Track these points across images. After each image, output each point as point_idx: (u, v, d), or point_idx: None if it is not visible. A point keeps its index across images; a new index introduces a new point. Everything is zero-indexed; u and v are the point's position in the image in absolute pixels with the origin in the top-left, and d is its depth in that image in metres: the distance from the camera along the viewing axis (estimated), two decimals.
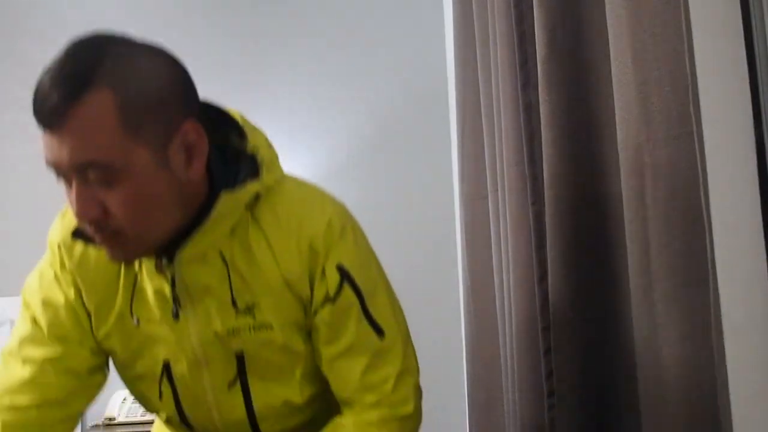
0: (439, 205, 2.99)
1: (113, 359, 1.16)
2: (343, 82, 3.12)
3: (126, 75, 0.91)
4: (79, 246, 1.09)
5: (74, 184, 0.92)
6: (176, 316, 1.05)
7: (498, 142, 1.80)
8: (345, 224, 1.10)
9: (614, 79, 1.20)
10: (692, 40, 1.05)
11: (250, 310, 1.05)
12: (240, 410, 1.12)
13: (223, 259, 1.04)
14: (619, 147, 1.18)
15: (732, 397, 1.02)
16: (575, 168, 1.36)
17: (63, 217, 1.12)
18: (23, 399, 1.06)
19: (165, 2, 3.13)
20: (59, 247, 1.10)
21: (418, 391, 1.16)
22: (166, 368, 1.10)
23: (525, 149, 1.57)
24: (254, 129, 1.09)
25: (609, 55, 1.22)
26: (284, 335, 1.07)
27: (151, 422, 2.60)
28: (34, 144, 3.62)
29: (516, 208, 1.64)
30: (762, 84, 1.15)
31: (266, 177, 1.05)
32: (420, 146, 3.10)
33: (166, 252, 1.02)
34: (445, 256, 2.90)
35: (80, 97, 0.88)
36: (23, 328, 1.12)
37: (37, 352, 1.08)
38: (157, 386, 1.12)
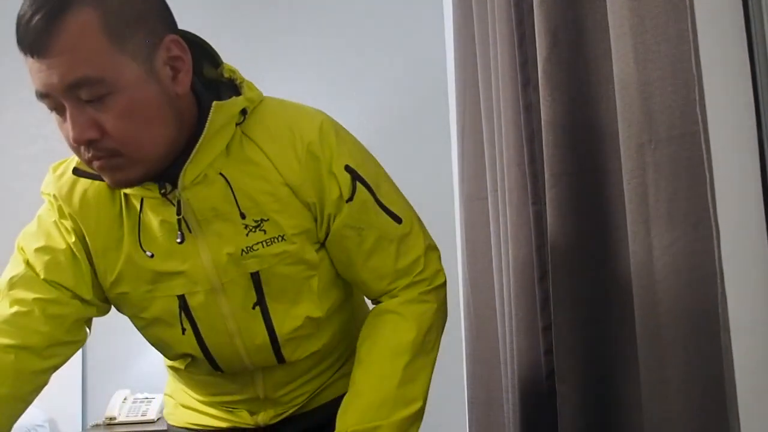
0: (439, 205, 2.99)
1: (124, 307, 1.15)
2: (343, 82, 3.12)
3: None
4: (77, 192, 1.08)
5: (68, 108, 0.92)
6: (183, 239, 1.04)
7: (498, 143, 1.80)
8: (336, 127, 1.14)
9: (616, 79, 1.19)
10: (697, 39, 1.04)
11: (259, 225, 1.05)
12: (262, 334, 1.12)
13: (225, 179, 1.04)
14: (621, 147, 1.18)
15: (738, 398, 1.01)
16: (576, 168, 1.36)
17: (54, 170, 1.12)
18: (3, 339, 1.03)
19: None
20: (55, 197, 1.09)
21: (441, 260, 1.27)
22: (182, 303, 1.09)
23: (525, 149, 1.56)
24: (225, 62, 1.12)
25: (611, 55, 1.22)
26: (297, 245, 1.08)
27: (151, 422, 2.61)
28: (34, 144, 3.62)
29: (516, 208, 1.63)
30: (761, 85, 1.15)
31: (248, 93, 1.07)
32: (420, 146, 3.10)
33: (168, 179, 1.02)
34: (445, 256, 2.89)
35: (63, 17, 0.89)
36: (15, 270, 1.09)
37: (28, 294, 1.06)
38: (177, 324, 1.11)
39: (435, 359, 1.19)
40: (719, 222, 1.04)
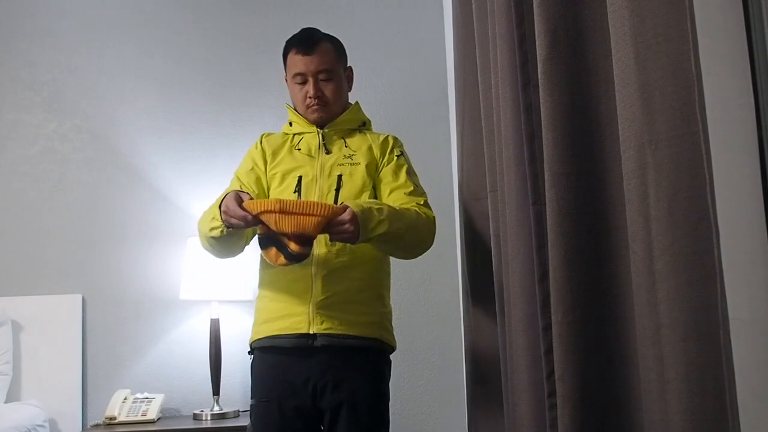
0: (439, 205, 2.99)
1: (274, 181, 2.10)
2: None
3: (337, 42, 2.13)
4: (270, 136, 2.19)
5: (311, 82, 2.03)
6: (327, 152, 2.09)
7: (497, 142, 1.80)
8: (402, 143, 2.20)
9: (616, 79, 1.20)
10: (697, 40, 1.04)
11: (350, 157, 2.07)
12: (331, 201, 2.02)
13: (344, 140, 2.12)
14: (621, 147, 1.19)
15: (738, 398, 1.01)
16: (576, 168, 1.36)
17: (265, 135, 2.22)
18: None
19: (166, 4, 3.13)
20: (261, 137, 2.19)
21: (434, 220, 2.06)
22: (299, 179, 2.06)
23: (525, 149, 1.57)
24: None
25: (611, 55, 1.22)
26: (364, 170, 2.05)
27: (151, 422, 2.61)
28: (34, 144, 3.59)
29: (516, 208, 1.64)
30: (761, 85, 1.15)
31: (368, 120, 2.23)
32: (420, 146, 3.10)
33: (321, 128, 2.11)
34: (445, 256, 2.90)
35: (323, 41, 2.08)
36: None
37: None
38: (293, 189, 2.05)
39: (413, 235, 1.96)
40: (719, 222, 1.04)
